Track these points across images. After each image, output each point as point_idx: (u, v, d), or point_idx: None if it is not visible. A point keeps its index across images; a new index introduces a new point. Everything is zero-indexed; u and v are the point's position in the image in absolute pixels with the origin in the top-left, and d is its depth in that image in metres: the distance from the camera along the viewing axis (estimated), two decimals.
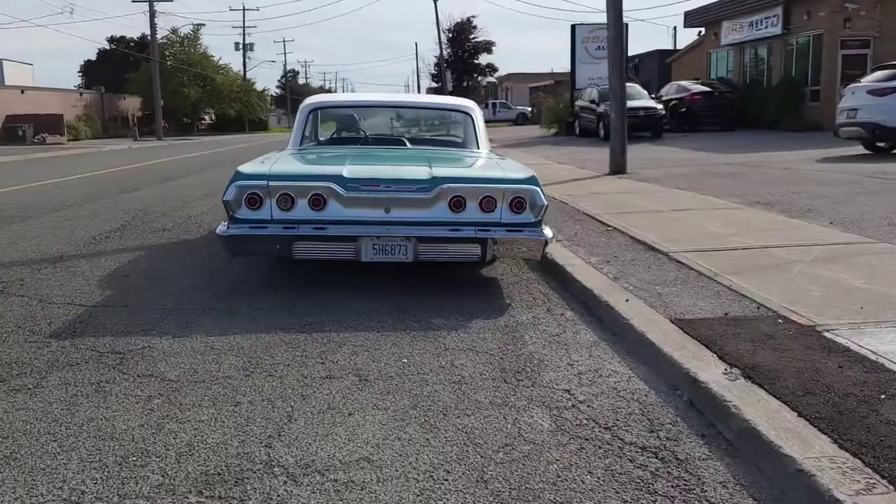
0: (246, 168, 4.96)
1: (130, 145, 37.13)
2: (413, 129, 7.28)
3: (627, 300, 4.27)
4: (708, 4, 30.89)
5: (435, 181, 4.79)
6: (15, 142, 38.59)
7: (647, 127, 23.47)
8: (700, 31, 33.52)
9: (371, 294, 4.97)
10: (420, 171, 4.95)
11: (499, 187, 4.82)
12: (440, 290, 5.12)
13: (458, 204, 4.79)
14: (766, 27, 26.76)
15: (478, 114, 6.42)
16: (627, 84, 26.38)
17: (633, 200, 8.72)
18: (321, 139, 6.61)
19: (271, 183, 4.74)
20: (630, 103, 24.25)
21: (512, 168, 5.32)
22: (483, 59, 67.54)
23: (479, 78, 68.31)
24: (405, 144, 6.28)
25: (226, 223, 4.82)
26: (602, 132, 23.76)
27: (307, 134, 6.21)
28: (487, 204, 4.81)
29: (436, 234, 4.79)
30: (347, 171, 4.85)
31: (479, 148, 6.15)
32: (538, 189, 4.86)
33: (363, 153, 5.95)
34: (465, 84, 63.07)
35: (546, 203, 4.86)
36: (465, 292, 5.06)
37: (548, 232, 4.90)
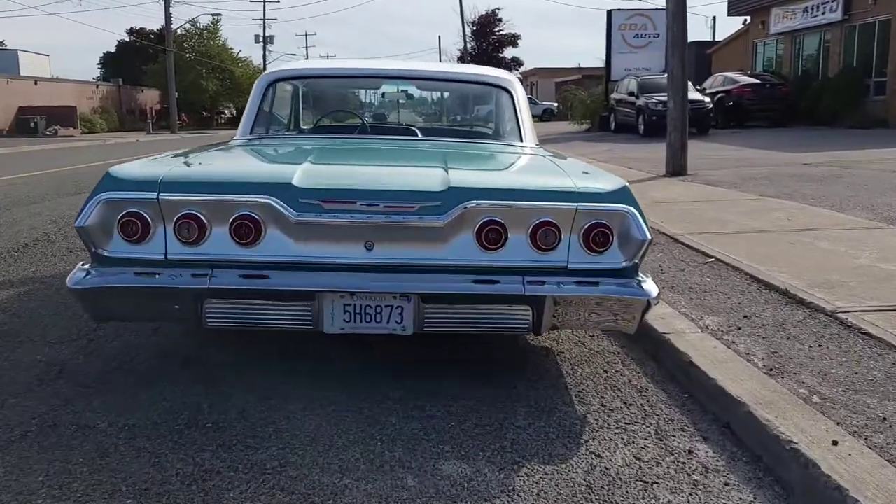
0: (123, 170, 2.88)
1: (139, 139, 35.41)
2: (427, 112, 5.13)
3: (836, 442, 2.16)
4: None
5: (453, 195, 2.72)
6: (27, 133, 37.55)
7: (692, 122, 21.13)
8: (745, 20, 31.09)
9: (336, 391, 2.90)
10: (428, 177, 2.89)
11: (564, 207, 2.73)
12: (455, 381, 3.04)
13: (493, 235, 2.71)
14: (824, 13, 24.31)
15: (519, 90, 4.26)
16: None
17: (718, 213, 6.55)
18: (289, 127, 4.56)
19: (165, 196, 2.68)
20: None
21: (584, 174, 3.21)
22: (508, 52, 65.28)
23: None
24: (415, 134, 4.16)
25: (86, 266, 2.77)
26: (641, 127, 21.59)
27: (263, 119, 4.09)
28: (544, 236, 2.72)
29: (453, 290, 2.73)
30: (302, 175, 2.78)
31: (522, 140, 4.04)
32: (635, 210, 2.76)
33: (339, 146, 3.86)
34: None
35: (648, 236, 2.76)
36: (498, 386, 2.98)
37: (651, 286, 2.80)
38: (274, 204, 2.67)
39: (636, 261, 2.78)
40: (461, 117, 5.02)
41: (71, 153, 21.68)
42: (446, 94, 5.12)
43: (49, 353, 3.29)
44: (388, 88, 4.61)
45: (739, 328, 3.29)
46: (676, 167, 10.81)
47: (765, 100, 23.72)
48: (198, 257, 2.72)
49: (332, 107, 4.74)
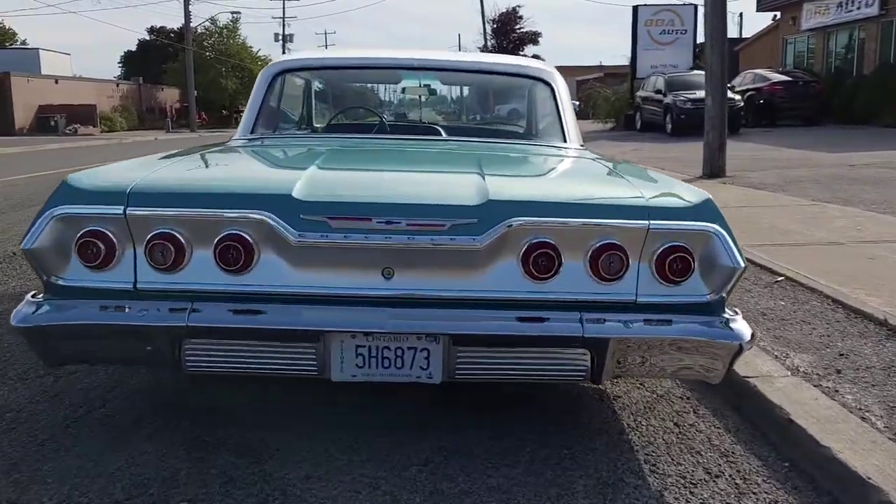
0: (83, 178, 2.34)
1: (157, 137, 35.15)
2: (455, 109, 4.56)
3: None
4: None
5: (493, 210, 2.15)
6: (46, 132, 37.64)
7: None
8: (775, 16, 30.24)
9: (347, 452, 2.35)
10: (461, 188, 2.33)
11: (633, 225, 2.15)
12: (493, 438, 2.47)
13: (542, 261, 2.14)
14: (860, 8, 23.44)
15: (561, 83, 3.66)
16: (699, 72, 23.30)
17: (775, 220, 5.93)
18: (296, 126, 4.01)
19: (135, 210, 2.14)
20: (702, 93, 21.34)
21: (652, 182, 2.63)
22: (529, 50, 64.44)
23: None
24: (440, 134, 3.59)
25: (37, 297, 2.24)
26: (669, 126, 20.91)
27: (266, 117, 3.53)
28: (607, 262, 2.15)
29: (493, 330, 2.17)
30: (305, 185, 2.23)
31: (566, 141, 3.45)
32: (722, 230, 2.19)
33: (351, 148, 3.26)
34: None
35: (741, 263, 2.17)
36: (546, 444, 2.40)
37: (742, 326, 2.22)
38: (269, 221, 2.12)
39: (723, 294, 2.21)
40: (494, 115, 4.44)
41: (86, 152, 21.36)
42: (476, 89, 4.54)
43: (5, 394, 2.76)
44: (410, 82, 4.02)
45: (839, 371, 2.69)
46: (714, 168, 10.16)
47: (797, 98, 22.88)
48: (175, 287, 2.18)
49: (346, 102, 4.19)
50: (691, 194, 2.31)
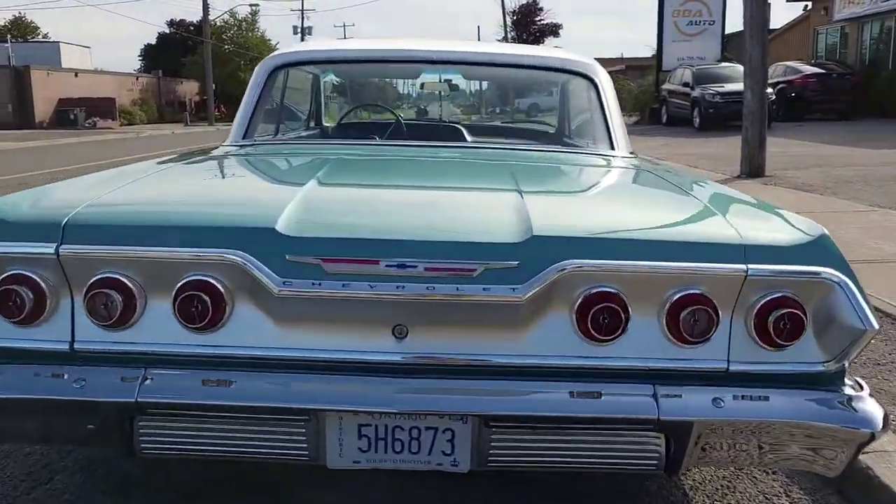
0: (7, 205, 1.83)
1: (175, 131, 34.87)
2: (480, 110, 4.03)
3: None
4: None
5: (539, 249, 1.63)
6: (66, 125, 37.70)
7: None
8: (806, 6, 29.32)
9: None
10: (496, 217, 1.81)
11: (726, 271, 1.62)
12: None
13: (604, 318, 1.61)
14: None
15: (605, 79, 3.08)
16: (727, 64, 22.79)
17: (832, 229, 5.32)
18: (303, 129, 3.49)
19: (71, 248, 1.64)
20: (731, 87, 20.64)
21: (743, 205, 2.08)
22: (549, 42, 63.56)
23: None
24: (463, 137, 3.06)
25: None
26: (697, 120, 20.26)
27: (261, 119, 2.97)
28: (690, 319, 1.62)
29: (537, 409, 1.65)
30: (292, 215, 1.72)
31: (614, 148, 2.90)
32: (845, 278, 1.64)
33: (358, 159, 2.70)
34: None
35: (874, 325, 1.63)
36: None
37: (871, 407, 1.67)
38: (245, 264, 1.61)
39: (844, 363, 1.67)
40: (526, 115, 3.90)
41: (100, 147, 21.06)
42: (505, 85, 3.98)
43: None
44: (429, 76, 3.48)
45: None
46: (754, 167, 9.55)
47: (830, 91, 22.05)
48: (124, 348, 1.68)
49: (355, 100, 3.67)
50: (801, 227, 1.77)
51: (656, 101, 24.61)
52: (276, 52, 3.19)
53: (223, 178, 2.52)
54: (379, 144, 2.88)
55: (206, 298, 1.61)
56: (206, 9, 46.93)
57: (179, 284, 1.62)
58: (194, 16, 60.66)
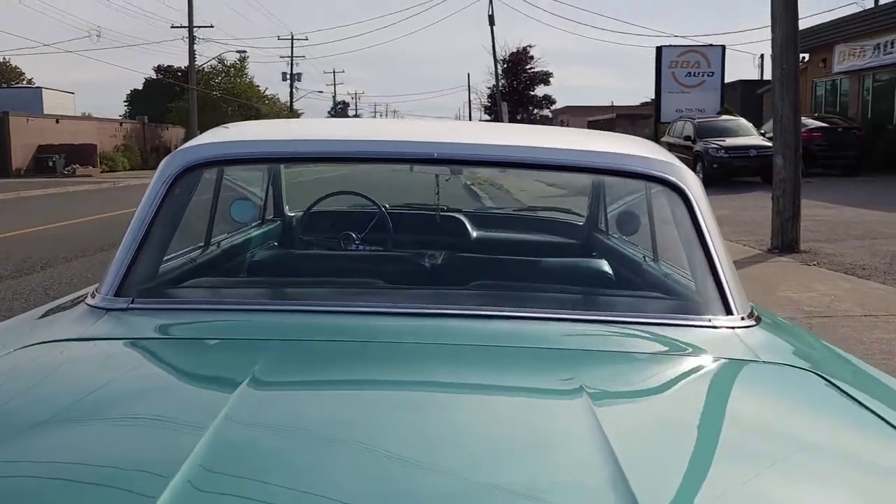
0: None
1: None
2: (504, 246, 2.69)
3: None
4: (817, 26, 26.22)
5: None
6: (44, 173, 36.60)
7: (757, 171, 18.98)
8: (803, 58, 28.80)
9: None
10: None
11: None
12: None
13: None
14: None
15: (696, 188, 1.86)
16: (729, 117, 22.03)
17: None
18: (223, 270, 2.21)
19: None
20: (735, 141, 19.87)
21: None
22: (540, 90, 63.48)
23: (535, 111, 63.96)
24: (478, 299, 1.77)
25: None
26: (700, 175, 19.20)
27: (152, 256, 1.72)
28: None
29: None
30: None
31: (729, 310, 1.67)
32: None
33: (303, 351, 1.42)
34: (518, 117, 58.68)
35: None
36: None
37: None
38: None
39: None
40: (584, 256, 2.57)
41: (61, 201, 19.73)
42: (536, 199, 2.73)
43: None
44: (423, 177, 2.21)
45: None
46: (787, 241, 8.46)
47: (836, 145, 21.26)
48: None
49: (306, 231, 2.40)
50: None
51: None
52: (185, 145, 1.94)
53: (51, 423, 1.18)
54: (343, 312, 1.62)
55: None
56: (193, 55, 46.38)
57: None
58: (182, 61, 60.12)
